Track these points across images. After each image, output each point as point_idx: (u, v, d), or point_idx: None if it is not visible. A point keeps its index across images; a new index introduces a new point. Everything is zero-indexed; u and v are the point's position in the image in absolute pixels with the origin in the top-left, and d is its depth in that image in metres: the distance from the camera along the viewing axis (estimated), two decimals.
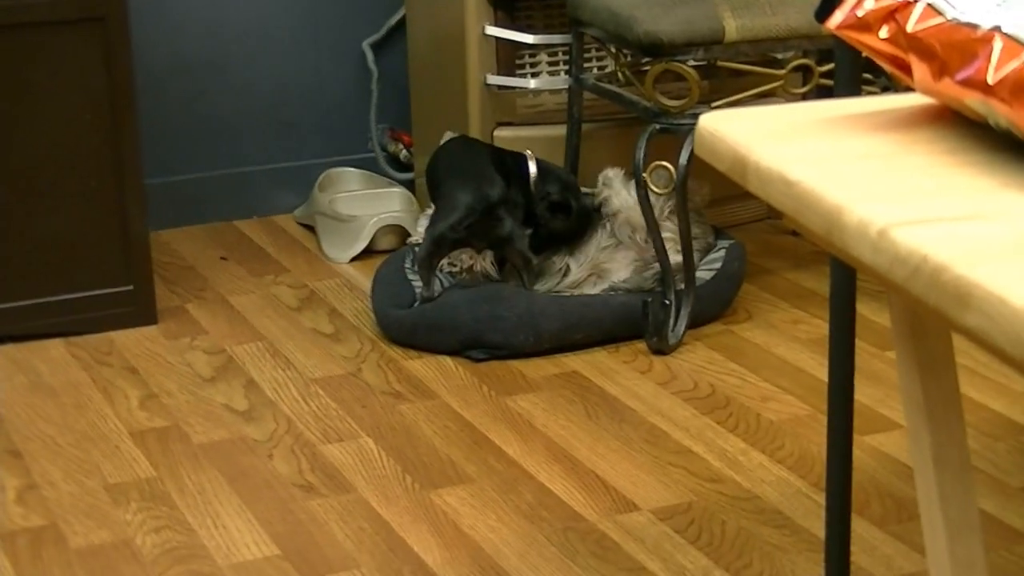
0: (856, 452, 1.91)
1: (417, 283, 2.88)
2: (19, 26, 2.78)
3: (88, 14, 2.80)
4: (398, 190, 3.47)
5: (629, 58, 2.93)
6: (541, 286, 2.90)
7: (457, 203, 2.79)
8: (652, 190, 2.78)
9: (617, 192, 2.93)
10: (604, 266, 2.91)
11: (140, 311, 2.95)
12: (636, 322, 2.80)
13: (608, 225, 2.93)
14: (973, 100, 0.99)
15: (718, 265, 2.93)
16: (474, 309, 2.78)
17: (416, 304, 2.85)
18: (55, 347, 2.88)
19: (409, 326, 2.83)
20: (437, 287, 2.85)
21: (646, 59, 2.81)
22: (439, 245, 2.81)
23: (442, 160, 2.96)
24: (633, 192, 2.89)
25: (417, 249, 2.89)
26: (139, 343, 2.89)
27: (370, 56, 3.59)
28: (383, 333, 2.89)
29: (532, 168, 2.94)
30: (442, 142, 3.05)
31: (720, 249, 2.97)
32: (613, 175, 2.98)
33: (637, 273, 2.89)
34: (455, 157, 2.94)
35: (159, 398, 2.67)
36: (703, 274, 2.89)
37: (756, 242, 3.29)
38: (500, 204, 2.82)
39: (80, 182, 2.87)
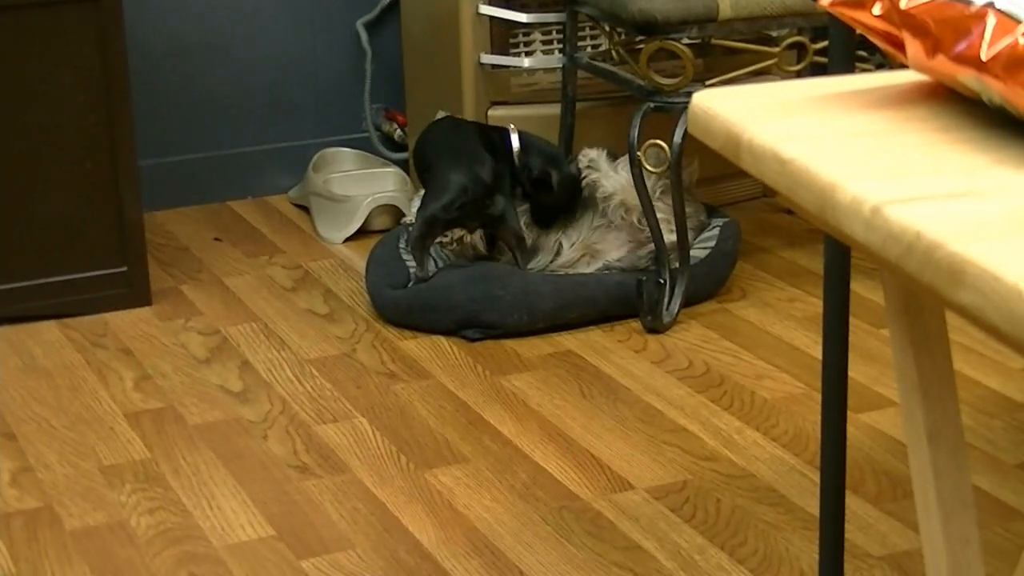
0: (850, 430, 1.91)
1: (411, 263, 2.87)
2: (14, 7, 2.77)
3: None
4: (392, 170, 3.47)
5: (623, 36, 2.93)
6: (535, 264, 2.90)
7: (449, 184, 2.79)
8: (646, 169, 2.78)
9: (606, 174, 2.92)
10: (596, 246, 2.91)
11: (134, 292, 2.95)
12: (631, 301, 2.80)
13: (601, 208, 2.92)
14: (967, 77, 0.99)
15: (712, 243, 2.92)
16: (469, 289, 2.78)
17: (411, 284, 2.85)
18: (49, 329, 2.87)
19: (404, 306, 2.83)
20: (431, 267, 2.84)
21: (640, 37, 2.80)
22: (432, 226, 2.80)
23: (431, 141, 2.95)
24: (622, 171, 2.88)
25: (411, 229, 2.89)
26: (133, 325, 2.89)
27: (364, 36, 3.58)
28: (378, 313, 2.89)
29: (515, 142, 2.93)
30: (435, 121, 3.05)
31: (714, 227, 2.97)
32: (596, 156, 2.96)
33: (631, 252, 2.89)
34: (444, 138, 2.93)
35: (154, 380, 2.67)
36: (697, 252, 2.89)
37: (750, 220, 3.29)
38: (492, 184, 2.82)
39: (74, 163, 2.86)
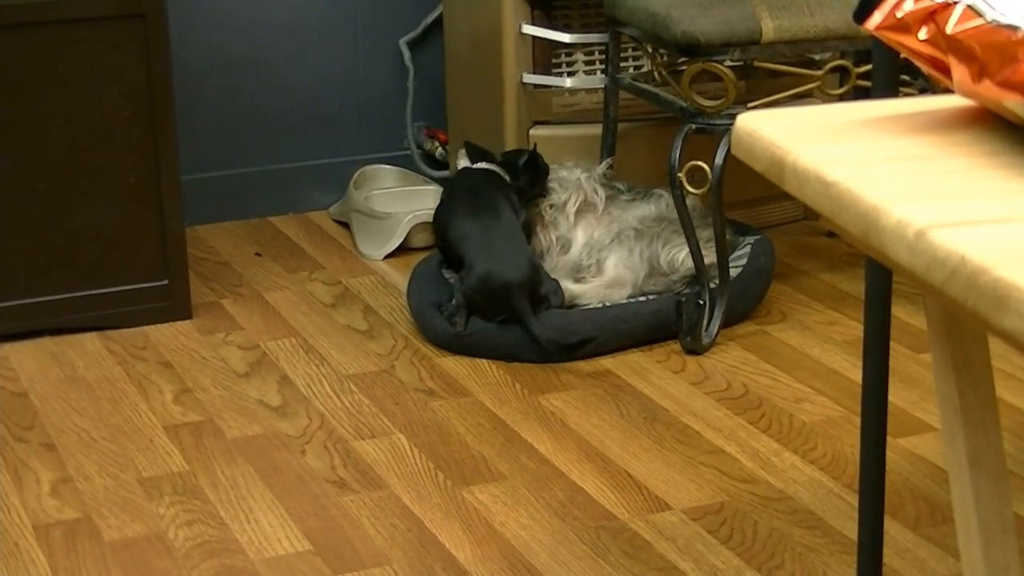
0: (889, 454, 1.90)
1: (452, 277, 2.88)
2: (60, 22, 2.79)
3: (128, 11, 2.82)
4: (433, 188, 3.47)
5: (665, 58, 2.93)
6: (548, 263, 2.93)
7: (476, 272, 2.77)
8: (687, 190, 2.78)
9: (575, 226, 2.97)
10: (601, 255, 2.91)
11: (175, 306, 2.96)
12: (669, 328, 2.80)
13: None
14: (1012, 102, 0.99)
15: (744, 261, 2.92)
16: (507, 333, 2.77)
17: (448, 317, 2.83)
18: (91, 341, 2.89)
19: (444, 338, 2.83)
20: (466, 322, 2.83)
21: (683, 59, 2.80)
22: (473, 302, 2.80)
23: (466, 217, 2.87)
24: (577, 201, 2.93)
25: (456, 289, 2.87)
26: (174, 338, 2.91)
27: (407, 54, 3.59)
28: (421, 331, 2.89)
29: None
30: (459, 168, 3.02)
31: (746, 245, 2.96)
32: (567, 172, 3.00)
33: (664, 277, 2.89)
34: (480, 213, 2.87)
35: (193, 393, 2.68)
36: (730, 271, 2.88)
37: (791, 243, 3.28)
38: (533, 274, 2.78)
39: (118, 177, 2.88)
